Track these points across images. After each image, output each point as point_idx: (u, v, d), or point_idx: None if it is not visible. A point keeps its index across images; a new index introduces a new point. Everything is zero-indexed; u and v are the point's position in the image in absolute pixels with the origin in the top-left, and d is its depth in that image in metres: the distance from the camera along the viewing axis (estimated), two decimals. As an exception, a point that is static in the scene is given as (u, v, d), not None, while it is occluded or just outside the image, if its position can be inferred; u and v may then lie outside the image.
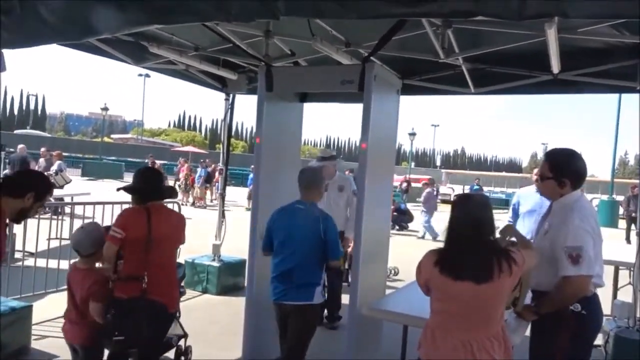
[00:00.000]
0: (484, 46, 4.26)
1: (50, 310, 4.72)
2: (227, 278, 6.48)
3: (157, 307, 3.02)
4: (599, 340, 3.61)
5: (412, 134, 40.61)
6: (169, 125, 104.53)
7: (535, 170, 6.13)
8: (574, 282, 2.54)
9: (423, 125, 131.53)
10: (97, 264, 3.19)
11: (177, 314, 3.67)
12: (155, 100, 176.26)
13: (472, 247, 2.33)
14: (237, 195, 19.13)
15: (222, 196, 6.74)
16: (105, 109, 48.83)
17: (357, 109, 3.74)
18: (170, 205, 7.35)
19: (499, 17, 1.94)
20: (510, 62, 4.57)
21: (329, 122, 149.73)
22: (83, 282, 3.06)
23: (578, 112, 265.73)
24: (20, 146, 12.60)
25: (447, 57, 4.13)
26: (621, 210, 22.10)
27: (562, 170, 2.73)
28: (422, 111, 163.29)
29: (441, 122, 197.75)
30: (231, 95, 6.38)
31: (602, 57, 4.25)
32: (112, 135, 75.87)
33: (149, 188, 3.17)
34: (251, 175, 18.29)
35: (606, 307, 3.05)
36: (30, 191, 2.56)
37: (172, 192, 3.64)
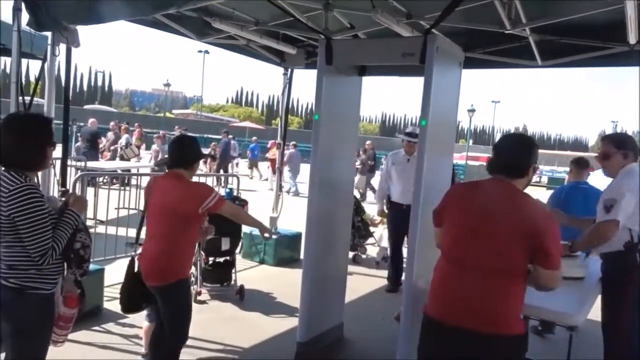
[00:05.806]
0: (553, 16, 4.06)
1: (120, 274, 5.01)
2: (283, 250, 6.65)
3: None
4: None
5: (471, 111, 39.26)
6: (227, 102, 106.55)
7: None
8: (603, 226, 2.98)
9: (483, 102, 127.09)
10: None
11: None
12: (214, 76, 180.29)
13: None
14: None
15: (281, 170, 6.90)
16: (168, 85, 50.44)
17: (413, 85, 3.68)
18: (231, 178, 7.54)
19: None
20: (581, 32, 4.33)
21: (384, 99, 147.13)
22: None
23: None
24: (91, 120, 12.67)
25: (514, 28, 3.98)
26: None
27: (625, 144, 3.17)
28: (482, 87, 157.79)
29: (502, 99, 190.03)
30: (289, 70, 6.43)
31: (687, 26, 3.95)
32: (174, 111, 77.80)
33: None
34: (251, 146, 19.40)
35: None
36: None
37: None
